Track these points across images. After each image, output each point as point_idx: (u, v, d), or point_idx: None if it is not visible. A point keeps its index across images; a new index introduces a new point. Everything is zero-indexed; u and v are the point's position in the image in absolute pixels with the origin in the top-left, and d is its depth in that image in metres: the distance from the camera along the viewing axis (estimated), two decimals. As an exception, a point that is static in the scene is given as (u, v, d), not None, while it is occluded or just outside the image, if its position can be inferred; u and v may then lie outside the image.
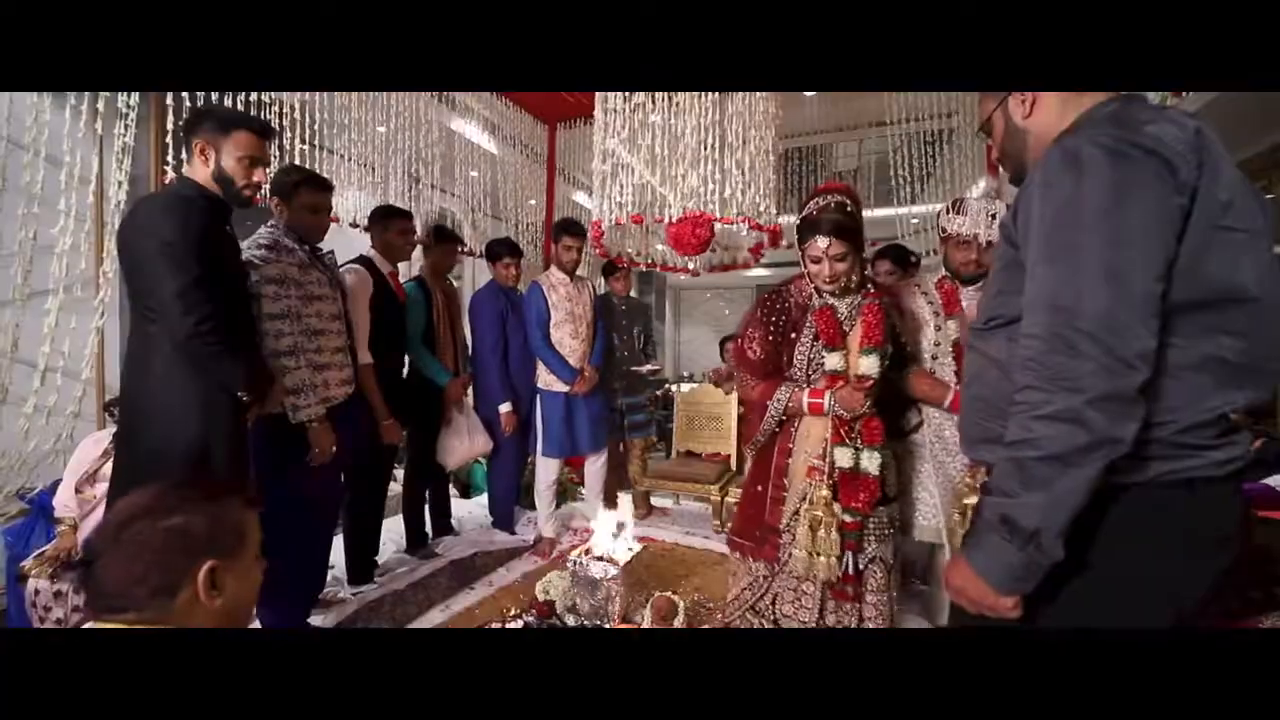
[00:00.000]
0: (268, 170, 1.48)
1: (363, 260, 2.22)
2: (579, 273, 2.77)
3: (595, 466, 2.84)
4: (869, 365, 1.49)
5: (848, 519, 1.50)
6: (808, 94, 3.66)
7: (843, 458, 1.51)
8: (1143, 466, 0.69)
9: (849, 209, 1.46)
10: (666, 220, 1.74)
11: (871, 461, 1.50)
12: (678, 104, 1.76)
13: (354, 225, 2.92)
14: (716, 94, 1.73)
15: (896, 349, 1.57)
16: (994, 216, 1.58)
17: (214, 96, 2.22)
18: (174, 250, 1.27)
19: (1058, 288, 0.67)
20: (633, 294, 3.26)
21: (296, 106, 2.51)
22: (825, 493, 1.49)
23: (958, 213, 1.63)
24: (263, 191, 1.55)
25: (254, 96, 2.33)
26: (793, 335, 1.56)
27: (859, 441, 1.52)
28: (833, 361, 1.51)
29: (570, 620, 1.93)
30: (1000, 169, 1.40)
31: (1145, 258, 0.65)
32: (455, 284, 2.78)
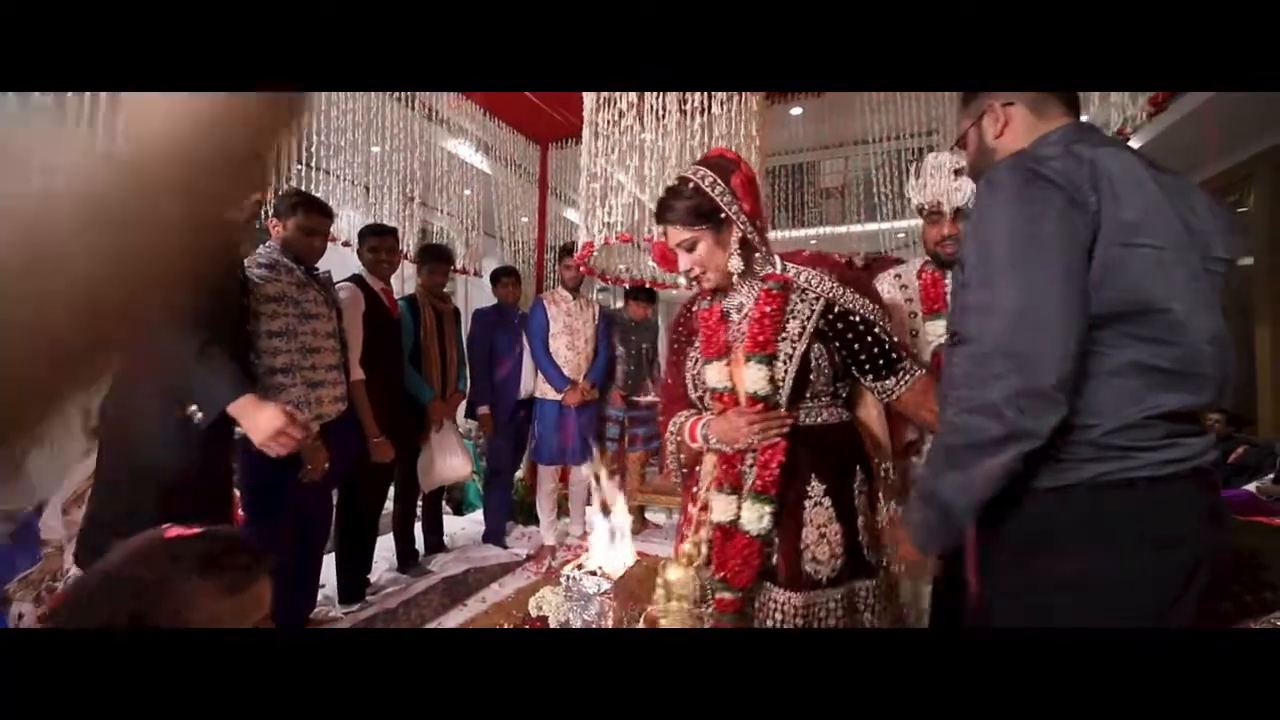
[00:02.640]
0: (270, 191, 1.49)
1: (354, 279, 2.26)
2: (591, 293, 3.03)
3: (579, 477, 2.97)
4: (754, 379, 1.07)
5: (725, 596, 1.06)
6: (793, 112, 3.76)
7: (720, 509, 1.09)
8: (1078, 468, 0.74)
9: (691, 185, 1.09)
10: (654, 238, 1.78)
11: (752, 514, 1.06)
12: (664, 127, 1.81)
13: (345, 244, 2.97)
14: (704, 117, 1.79)
15: (865, 355, 1.10)
16: (957, 173, 1.30)
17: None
18: None
19: (984, 297, 0.75)
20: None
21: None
22: (688, 549, 1.05)
23: (917, 177, 1.37)
24: (266, 209, 1.57)
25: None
26: (689, 350, 1.22)
27: (749, 485, 1.09)
28: (711, 376, 1.13)
29: (564, 636, 1.92)
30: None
31: (1057, 270, 0.71)
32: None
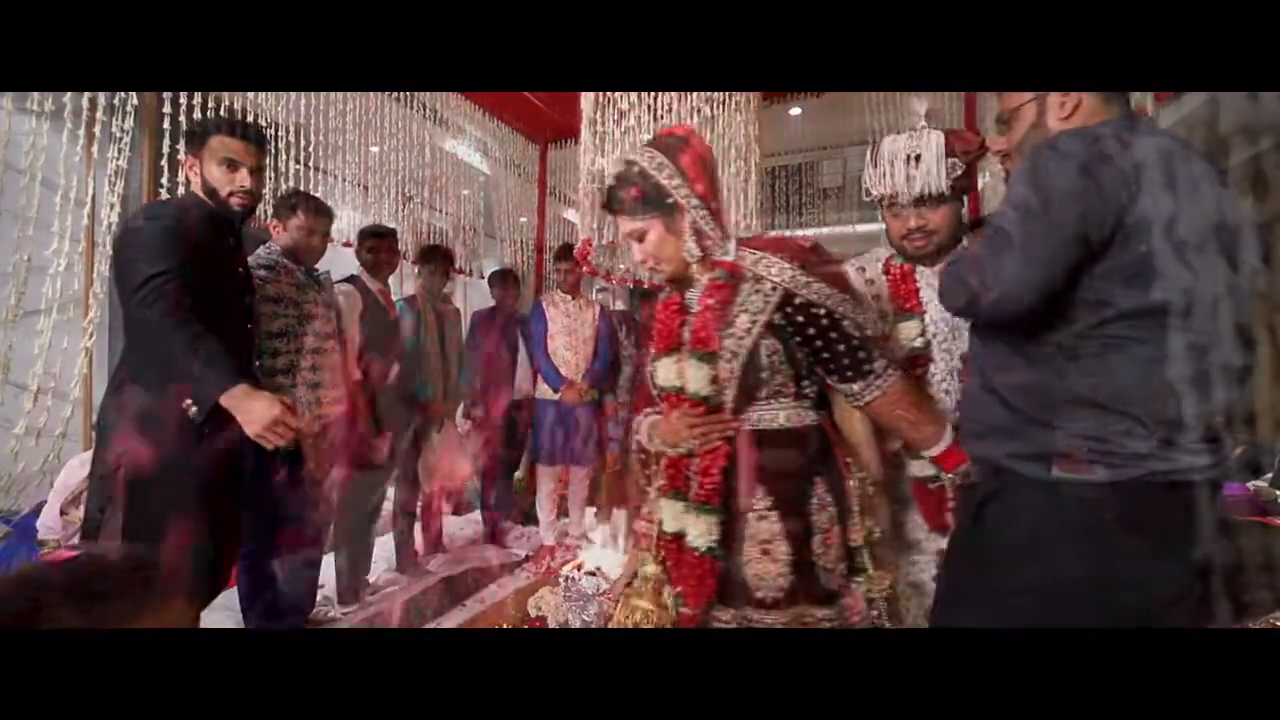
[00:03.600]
0: (259, 175, 1.41)
1: (352, 279, 2.27)
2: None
3: (577, 478, 2.97)
4: (694, 378, 0.98)
5: (684, 612, 0.99)
6: (792, 113, 3.76)
7: (669, 516, 1.01)
8: (1136, 463, 0.74)
9: (636, 169, 1.00)
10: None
11: (699, 528, 0.97)
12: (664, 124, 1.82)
13: (346, 245, 2.97)
14: (700, 118, 1.79)
15: (829, 354, 0.98)
16: (917, 159, 1.12)
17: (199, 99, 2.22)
18: (147, 243, 1.20)
19: (1005, 241, 0.79)
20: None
21: (292, 129, 2.55)
22: (653, 569, 1.00)
23: (874, 165, 1.19)
24: (264, 203, 1.54)
25: (251, 118, 2.37)
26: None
27: (694, 493, 1.00)
28: (661, 374, 1.04)
29: (563, 636, 1.92)
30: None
31: (1063, 242, 0.75)
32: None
